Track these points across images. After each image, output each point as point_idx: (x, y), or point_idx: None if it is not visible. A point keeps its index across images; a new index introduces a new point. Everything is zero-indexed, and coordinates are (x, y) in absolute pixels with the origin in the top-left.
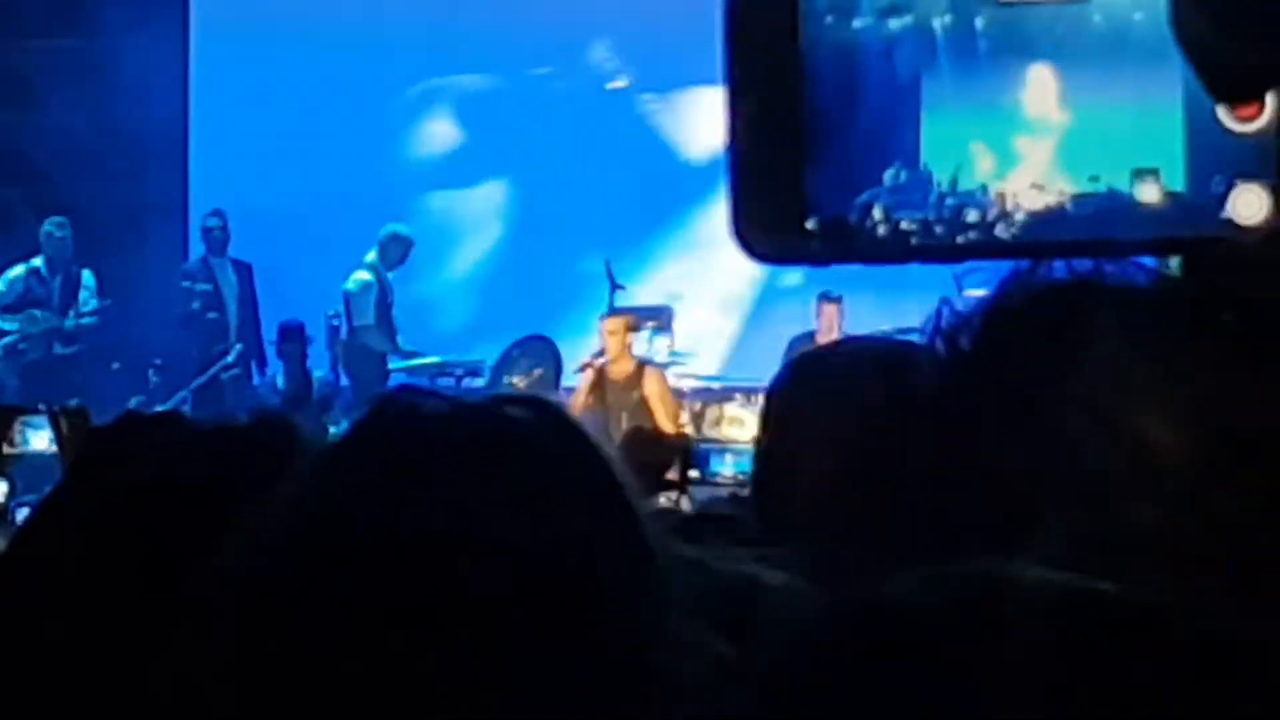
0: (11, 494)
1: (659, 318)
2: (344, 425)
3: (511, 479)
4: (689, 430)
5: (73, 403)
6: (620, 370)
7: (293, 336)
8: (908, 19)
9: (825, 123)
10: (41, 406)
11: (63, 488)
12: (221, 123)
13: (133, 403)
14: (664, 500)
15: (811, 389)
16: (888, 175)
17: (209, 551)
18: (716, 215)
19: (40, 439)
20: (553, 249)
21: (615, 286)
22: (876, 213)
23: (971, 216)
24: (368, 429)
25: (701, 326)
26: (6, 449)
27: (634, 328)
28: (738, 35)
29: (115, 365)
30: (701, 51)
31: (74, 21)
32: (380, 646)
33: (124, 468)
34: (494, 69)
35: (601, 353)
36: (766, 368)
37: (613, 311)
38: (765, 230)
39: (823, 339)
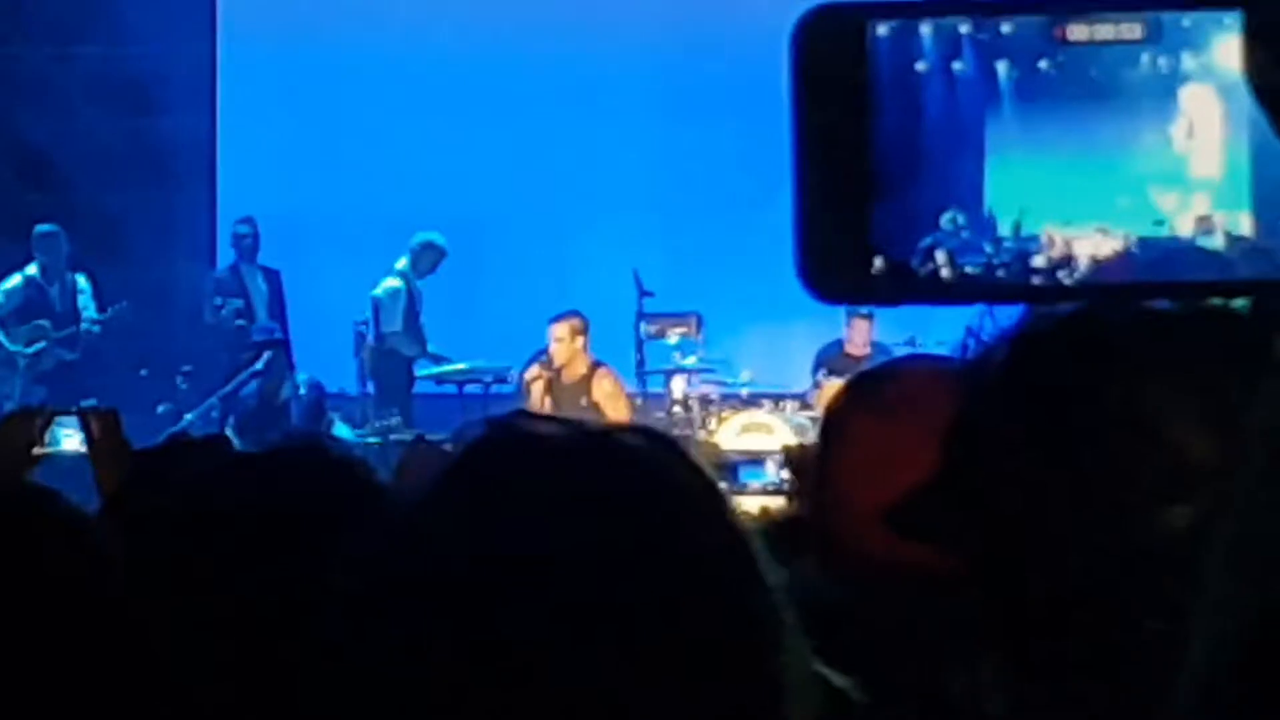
0: None
1: (687, 323)
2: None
3: (633, 505)
4: (719, 439)
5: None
6: (572, 374)
7: (270, 340)
8: (971, 62)
9: (889, 165)
10: (67, 409)
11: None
12: (250, 129)
13: (161, 409)
14: None
15: (877, 408)
16: (951, 219)
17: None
18: (745, 221)
19: (71, 440)
20: (581, 255)
21: (643, 293)
22: (940, 256)
23: (1035, 261)
24: (483, 453)
25: (729, 333)
26: (36, 450)
27: (581, 331)
28: (804, 77)
29: (143, 372)
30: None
31: (101, 28)
32: (509, 673)
33: (166, 495)
34: (519, 74)
35: (542, 354)
36: (793, 375)
37: (562, 316)
38: (831, 271)
39: (852, 350)
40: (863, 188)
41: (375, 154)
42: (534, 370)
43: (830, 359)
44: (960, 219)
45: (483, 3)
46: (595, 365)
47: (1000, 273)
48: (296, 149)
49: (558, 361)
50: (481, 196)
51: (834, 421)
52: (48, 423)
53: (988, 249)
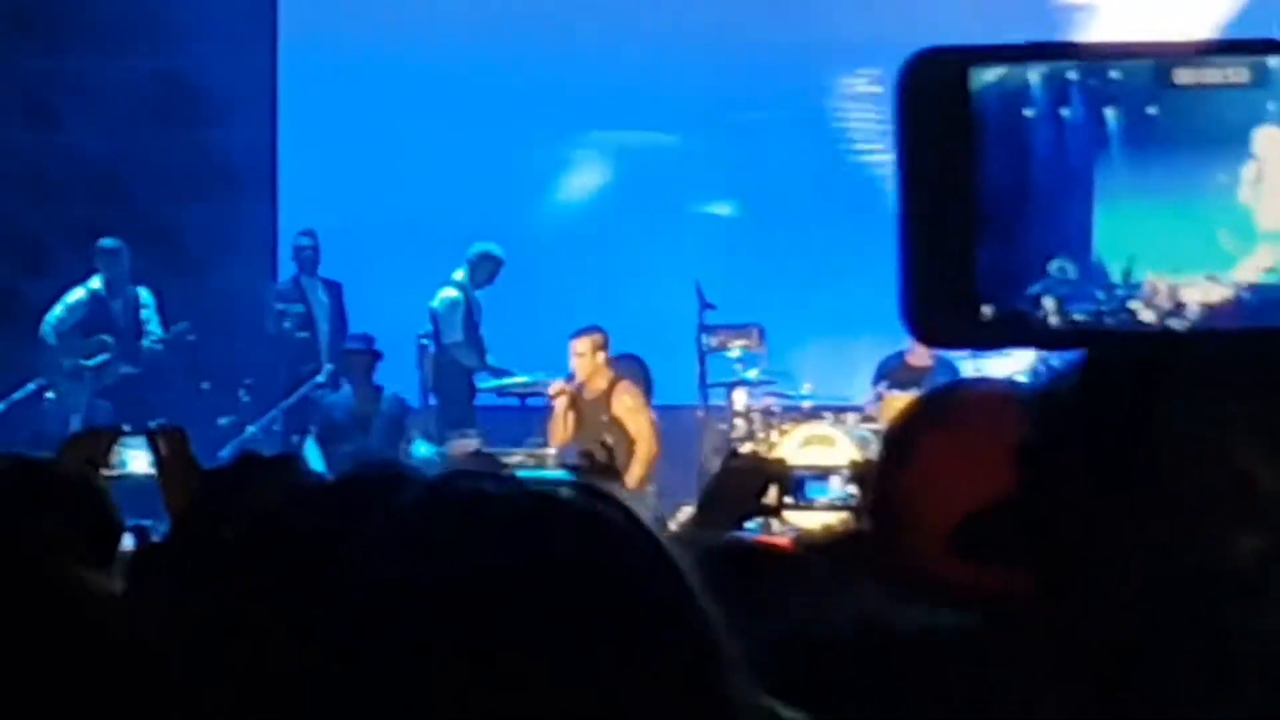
0: None
1: (749, 336)
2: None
3: (572, 564)
4: (781, 452)
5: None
6: (594, 389)
7: (359, 350)
8: (1079, 108)
9: (996, 211)
10: (126, 427)
11: (175, 534)
12: (310, 141)
13: (223, 422)
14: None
15: (943, 428)
16: (1059, 266)
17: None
18: (807, 233)
19: (139, 460)
20: (642, 267)
21: (705, 305)
22: (1048, 304)
23: (1145, 308)
24: (432, 505)
25: (791, 345)
26: (104, 472)
27: (602, 346)
28: (908, 121)
29: (205, 385)
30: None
31: (161, 40)
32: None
33: (234, 517)
34: (579, 85)
35: (571, 377)
36: (855, 387)
37: (584, 331)
38: (937, 315)
39: (915, 361)
40: (969, 233)
41: (435, 165)
42: (557, 386)
43: (892, 371)
44: (1069, 267)
45: (542, 17)
46: (615, 380)
47: (1109, 320)
48: (357, 161)
49: (580, 376)
50: (541, 207)
51: (898, 440)
52: (113, 442)
53: (1098, 296)
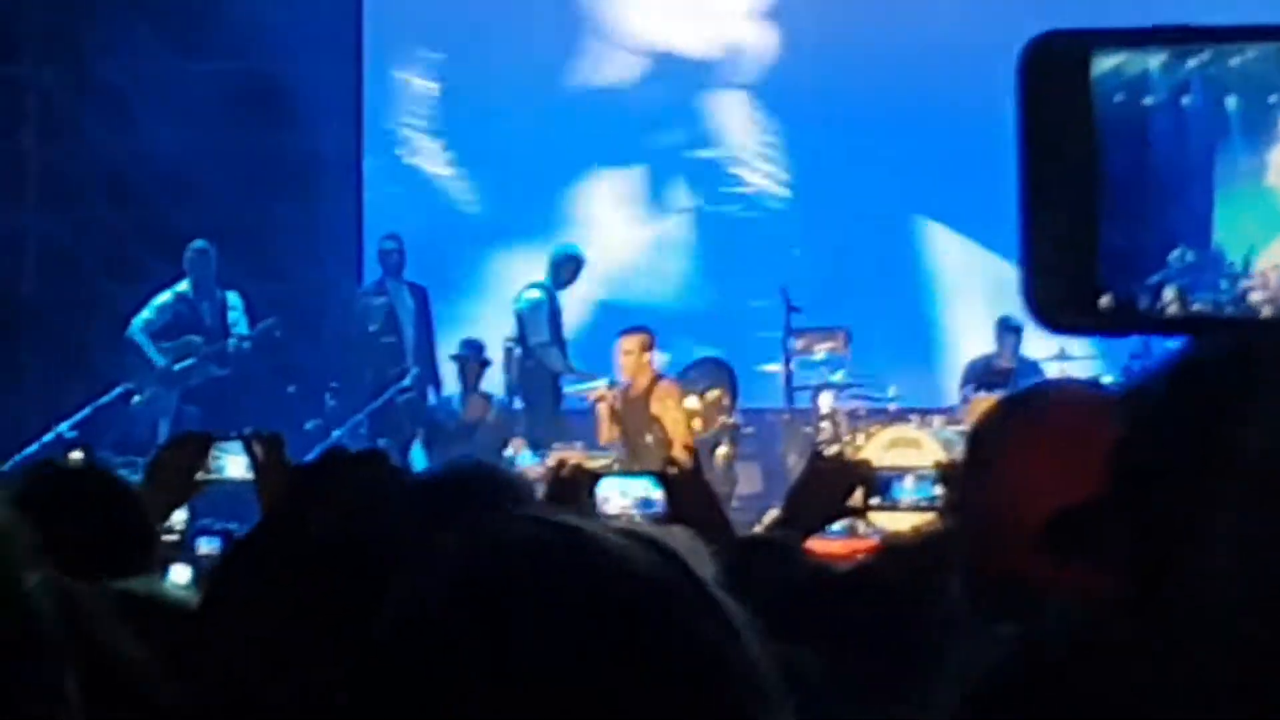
0: (193, 521)
1: (835, 339)
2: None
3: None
4: (867, 455)
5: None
6: (638, 387)
7: (468, 357)
8: (1200, 96)
9: (1117, 200)
10: (231, 433)
11: (265, 528)
12: (396, 145)
13: (309, 426)
14: (842, 528)
15: (1028, 429)
16: (1180, 255)
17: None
18: (893, 236)
19: (235, 465)
20: (727, 271)
21: (791, 309)
22: (1168, 293)
23: (1264, 298)
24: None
25: (877, 348)
26: (201, 475)
27: (649, 346)
28: (1029, 105)
29: (291, 389)
30: (875, 75)
31: (246, 44)
32: None
33: (324, 511)
34: (660, 86)
35: (613, 383)
36: (940, 390)
37: (632, 330)
38: (1058, 302)
39: (1001, 364)
40: (1091, 219)
41: (518, 167)
42: (598, 392)
43: (979, 373)
44: (1190, 255)
45: (623, 20)
46: (656, 379)
47: (1229, 309)
48: (441, 163)
49: (625, 375)
50: (624, 210)
51: (984, 440)
52: (210, 446)
53: (1219, 285)
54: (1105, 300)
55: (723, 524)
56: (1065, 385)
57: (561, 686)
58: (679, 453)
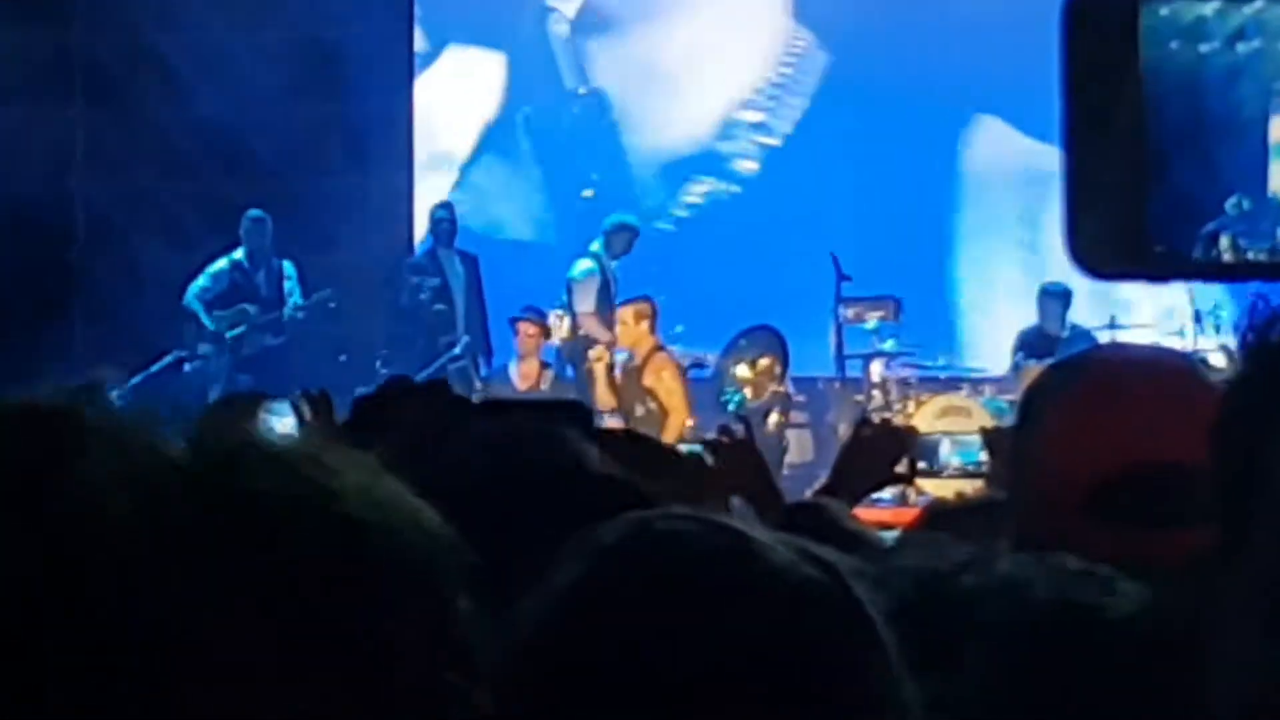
0: None
1: (885, 307)
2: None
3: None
4: (917, 424)
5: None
6: (637, 359)
7: (532, 321)
8: (1256, 44)
9: (1169, 148)
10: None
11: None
12: (446, 114)
13: (360, 394)
14: (890, 494)
15: (1078, 394)
16: (1236, 203)
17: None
18: (943, 204)
19: (284, 427)
20: (779, 240)
21: (842, 277)
22: (1224, 242)
23: None
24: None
25: (927, 316)
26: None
27: (648, 315)
28: (1074, 52)
29: (342, 357)
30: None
31: (297, 13)
32: None
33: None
34: (714, 55)
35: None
36: (991, 358)
37: (630, 300)
38: (1103, 249)
39: (1051, 332)
40: (1137, 168)
41: (571, 138)
42: (597, 350)
43: (1030, 341)
44: (1246, 203)
45: None
46: (654, 350)
47: None
48: (494, 133)
49: (624, 344)
50: (677, 180)
51: (1033, 405)
52: (258, 408)
53: (1273, 234)
54: (1157, 248)
55: (774, 494)
56: (1115, 349)
57: (718, 696)
58: (675, 426)
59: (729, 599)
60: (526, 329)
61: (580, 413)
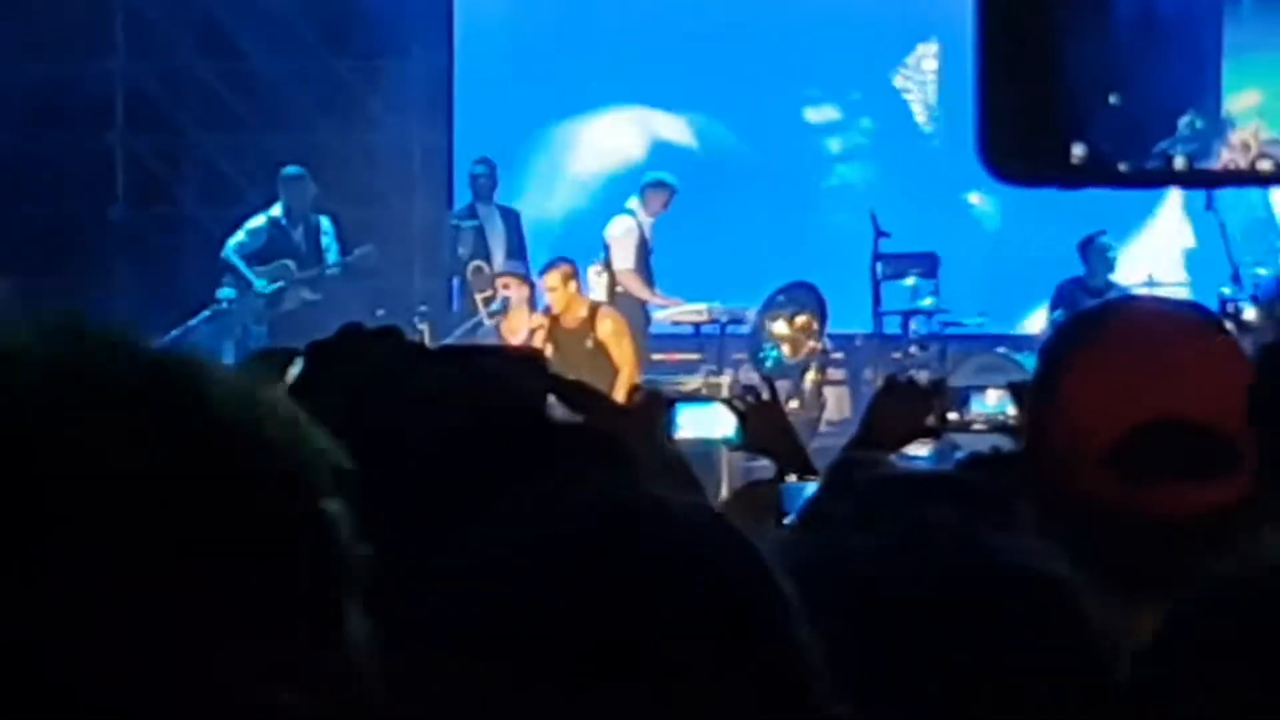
0: None
1: (923, 265)
2: None
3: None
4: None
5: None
6: (572, 318)
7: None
8: None
9: (1121, 62)
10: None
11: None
12: (486, 68)
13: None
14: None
15: (1097, 345)
16: (1188, 122)
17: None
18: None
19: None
20: (818, 196)
21: (880, 234)
22: (1178, 162)
23: (1271, 166)
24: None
25: (965, 273)
26: None
27: (572, 275)
28: None
29: (380, 312)
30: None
31: None
32: None
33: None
34: (754, 11)
35: (547, 310)
36: (1028, 315)
37: (551, 264)
38: (1018, 155)
39: (1092, 288)
40: (1049, 68)
41: (610, 93)
42: (536, 318)
43: (1067, 298)
44: (1199, 122)
45: None
46: (595, 306)
47: (1231, 168)
48: (533, 88)
49: (556, 309)
50: (716, 136)
51: (1052, 358)
52: (289, 363)
53: (1225, 152)
54: (1077, 151)
55: (798, 453)
56: (1135, 301)
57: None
58: (625, 382)
59: (634, 565)
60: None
61: (537, 362)
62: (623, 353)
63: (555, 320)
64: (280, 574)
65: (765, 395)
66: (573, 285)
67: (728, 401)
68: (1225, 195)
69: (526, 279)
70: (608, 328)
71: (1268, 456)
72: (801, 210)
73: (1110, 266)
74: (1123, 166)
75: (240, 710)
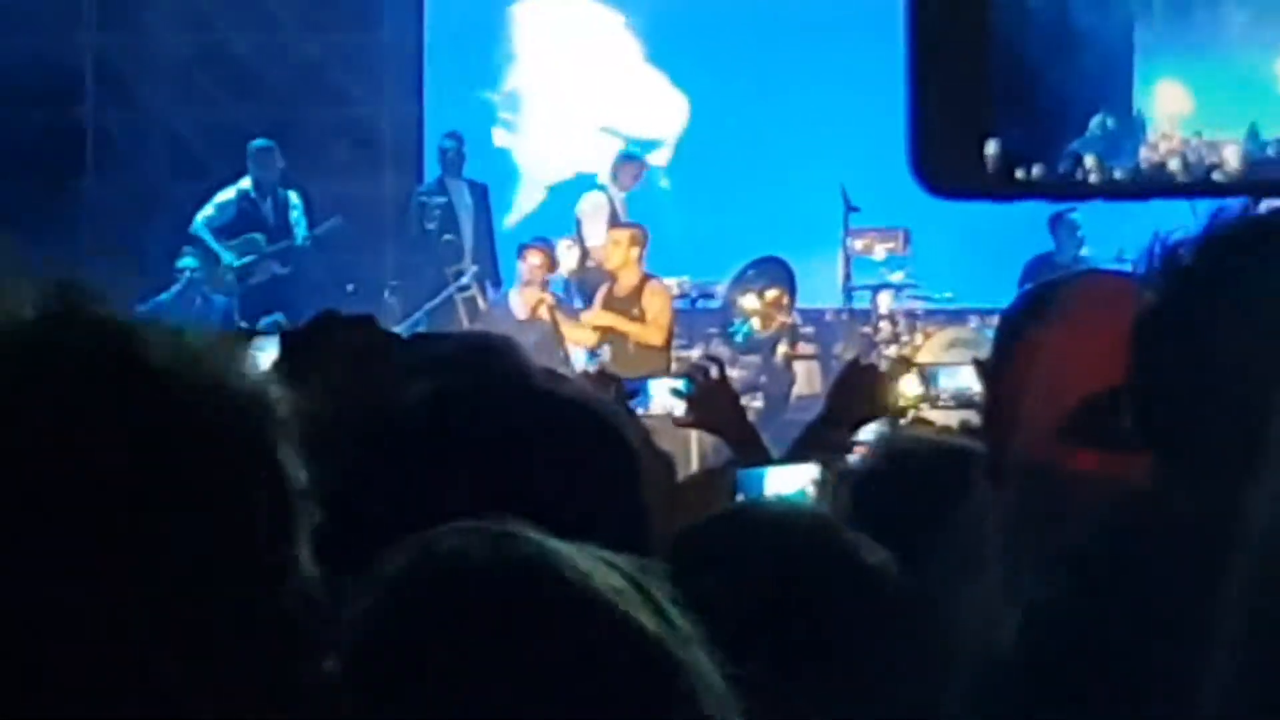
0: None
1: (894, 239)
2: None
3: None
4: (925, 356)
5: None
6: (626, 284)
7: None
8: None
9: (1031, 64)
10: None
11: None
12: (457, 42)
13: (285, 328)
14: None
15: (1051, 318)
16: (1100, 122)
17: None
18: None
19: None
20: (788, 170)
21: (850, 208)
22: (1089, 161)
23: (1183, 164)
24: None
25: (936, 248)
26: None
27: (639, 242)
28: None
29: (350, 287)
30: None
31: None
32: None
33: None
34: None
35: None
36: (1000, 290)
37: (626, 224)
38: (948, 165)
39: (1062, 263)
40: (980, 80)
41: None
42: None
43: (1037, 272)
44: (1110, 122)
45: None
46: (646, 278)
47: (1149, 173)
48: (503, 63)
49: (608, 264)
50: (688, 112)
51: (1011, 328)
52: (248, 343)
53: (1138, 152)
54: (1001, 162)
55: (749, 432)
56: (1092, 273)
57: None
58: (656, 347)
59: (521, 624)
60: (532, 257)
61: (508, 348)
62: (659, 331)
63: (614, 282)
64: (233, 517)
65: (714, 373)
66: (634, 250)
67: (684, 375)
68: None
69: (551, 254)
70: (655, 302)
71: (1153, 431)
72: (772, 185)
73: (1079, 243)
74: (1036, 169)
75: (199, 658)
